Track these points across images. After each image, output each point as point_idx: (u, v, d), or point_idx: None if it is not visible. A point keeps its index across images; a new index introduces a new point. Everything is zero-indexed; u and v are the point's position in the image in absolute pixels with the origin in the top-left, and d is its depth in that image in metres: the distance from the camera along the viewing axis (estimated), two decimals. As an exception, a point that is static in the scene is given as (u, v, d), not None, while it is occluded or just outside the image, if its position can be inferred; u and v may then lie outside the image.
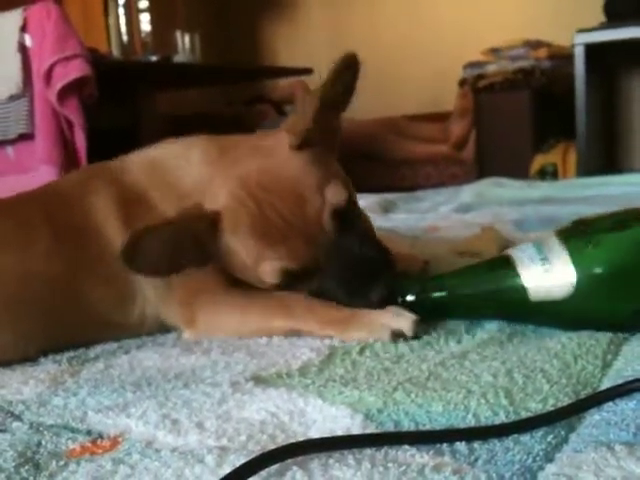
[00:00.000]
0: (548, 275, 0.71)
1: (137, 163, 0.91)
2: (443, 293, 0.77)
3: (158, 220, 0.79)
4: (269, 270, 0.78)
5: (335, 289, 0.78)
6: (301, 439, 0.53)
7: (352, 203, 0.82)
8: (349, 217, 0.80)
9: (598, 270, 0.69)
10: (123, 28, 3.21)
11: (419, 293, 0.77)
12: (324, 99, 0.77)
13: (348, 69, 0.77)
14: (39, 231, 0.85)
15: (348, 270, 0.77)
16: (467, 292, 0.76)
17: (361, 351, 0.71)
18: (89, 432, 0.57)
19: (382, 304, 0.76)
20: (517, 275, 0.72)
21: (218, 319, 0.84)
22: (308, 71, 3.74)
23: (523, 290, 0.72)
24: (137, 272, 0.76)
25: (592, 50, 2.90)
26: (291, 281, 0.78)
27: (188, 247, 0.78)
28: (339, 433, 0.54)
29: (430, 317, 0.77)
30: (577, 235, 0.72)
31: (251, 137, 0.91)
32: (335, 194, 0.78)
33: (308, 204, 0.77)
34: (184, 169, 0.88)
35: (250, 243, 0.78)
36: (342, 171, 0.84)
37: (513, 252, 0.75)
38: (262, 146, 0.84)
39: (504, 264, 0.74)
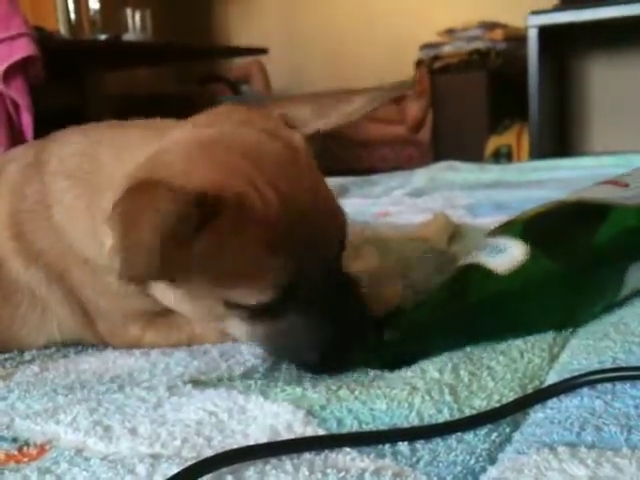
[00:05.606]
0: (504, 253, 0.69)
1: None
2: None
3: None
4: (265, 283, 0.58)
5: (318, 326, 0.60)
6: (239, 437, 0.51)
7: None
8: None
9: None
10: (71, 6, 3.12)
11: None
12: None
13: None
14: None
15: (343, 311, 0.62)
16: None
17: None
18: (15, 439, 0.54)
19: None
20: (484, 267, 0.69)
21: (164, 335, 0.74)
22: (263, 51, 3.70)
23: (490, 271, 0.68)
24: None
25: (546, 32, 2.90)
26: (276, 305, 0.59)
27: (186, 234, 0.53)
28: (280, 429, 0.52)
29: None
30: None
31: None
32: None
33: (336, 214, 0.63)
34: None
35: (252, 243, 0.56)
36: None
37: (471, 259, 0.72)
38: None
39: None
